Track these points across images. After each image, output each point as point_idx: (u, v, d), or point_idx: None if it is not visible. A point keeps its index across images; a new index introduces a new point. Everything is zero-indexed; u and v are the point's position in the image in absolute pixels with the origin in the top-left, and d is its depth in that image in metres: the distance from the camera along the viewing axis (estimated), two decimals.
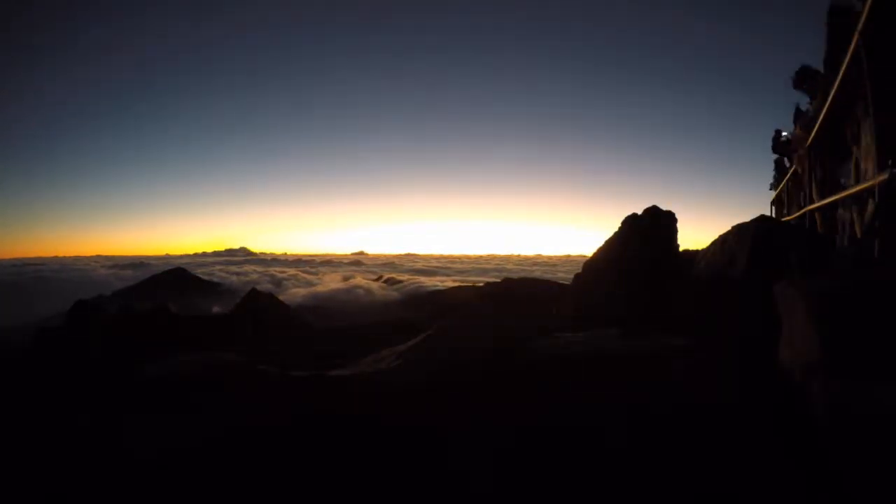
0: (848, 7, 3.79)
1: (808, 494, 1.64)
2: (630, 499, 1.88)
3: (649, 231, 7.95)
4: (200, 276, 74.05)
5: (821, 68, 4.64)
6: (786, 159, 7.37)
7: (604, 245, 8.65)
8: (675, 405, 2.52)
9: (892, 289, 1.93)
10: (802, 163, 5.29)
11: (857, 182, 3.10)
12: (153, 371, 4.08)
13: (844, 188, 3.72)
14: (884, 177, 2.36)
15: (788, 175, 6.63)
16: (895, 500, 1.37)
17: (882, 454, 1.45)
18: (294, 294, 53.00)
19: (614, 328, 4.47)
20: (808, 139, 4.76)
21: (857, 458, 1.53)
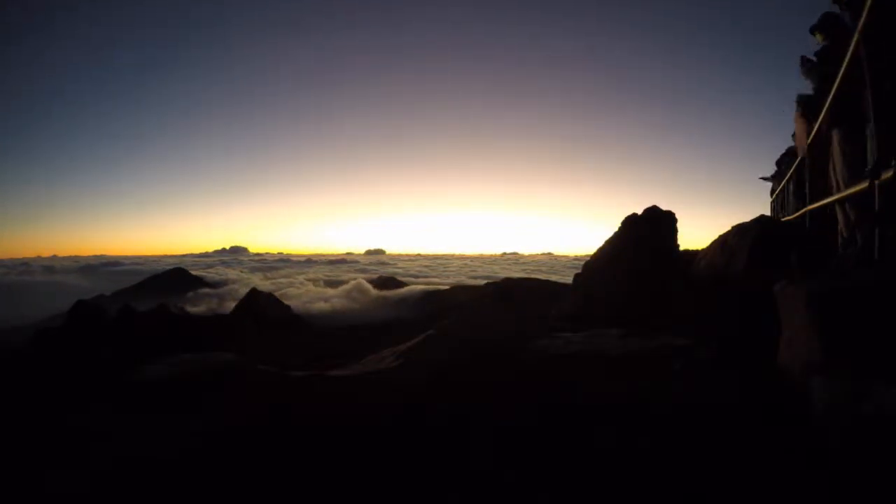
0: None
1: (807, 495, 1.64)
2: (629, 499, 1.88)
3: (649, 231, 7.97)
4: (201, 276, 74.17)
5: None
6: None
7: (604, 245, 8.67)
8: (674, 405, 2.52)
9: (892, 289, 1.93)
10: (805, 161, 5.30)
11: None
12: (152, 371, 4.08)
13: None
14: (887, 175, 2.36)
15: (789, 174, 6.64)
16: (895, 500, 1.37)
17: (882, 454, 1.45)
18: (293, 294, 53.05)
19: (614, 328, 4.48)
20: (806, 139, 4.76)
21: (857, 458, 1.53)
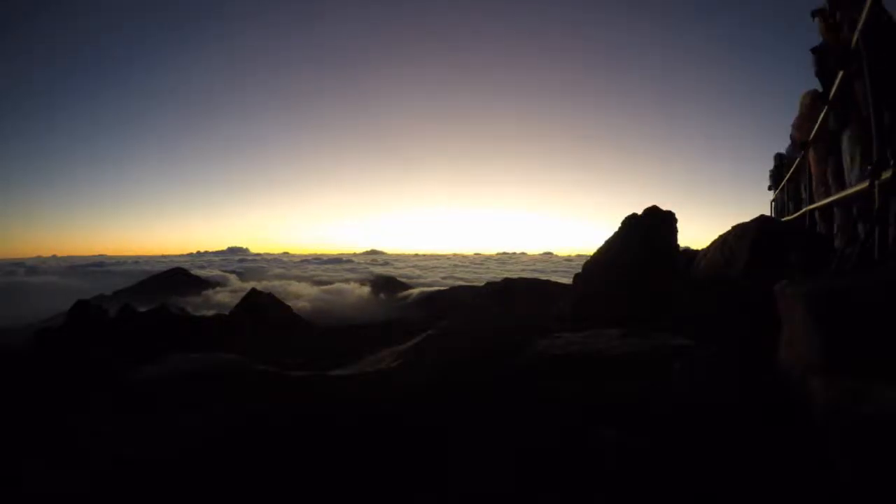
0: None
1: (807, 495, 1.64)
2: (629, 499, 1.88)
3: (649, 231, 7.97)
4: (201, 276, 74.19)
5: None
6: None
7: (604, 245, 8.67)
8: (674, 405, 2.52)
9: (892, 289, 1.93)
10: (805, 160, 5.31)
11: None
12: (152, 371, 4.08)
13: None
14: (887, 175, 2.36)
15: (789, 174, 6.63)
16: (895, 500, 1.37)
17: (882, 455, 1.45)
18: (290, 294, 53.09)
19: (614, 328, 4.47)
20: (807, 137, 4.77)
21: (857, 458, 1.53)
